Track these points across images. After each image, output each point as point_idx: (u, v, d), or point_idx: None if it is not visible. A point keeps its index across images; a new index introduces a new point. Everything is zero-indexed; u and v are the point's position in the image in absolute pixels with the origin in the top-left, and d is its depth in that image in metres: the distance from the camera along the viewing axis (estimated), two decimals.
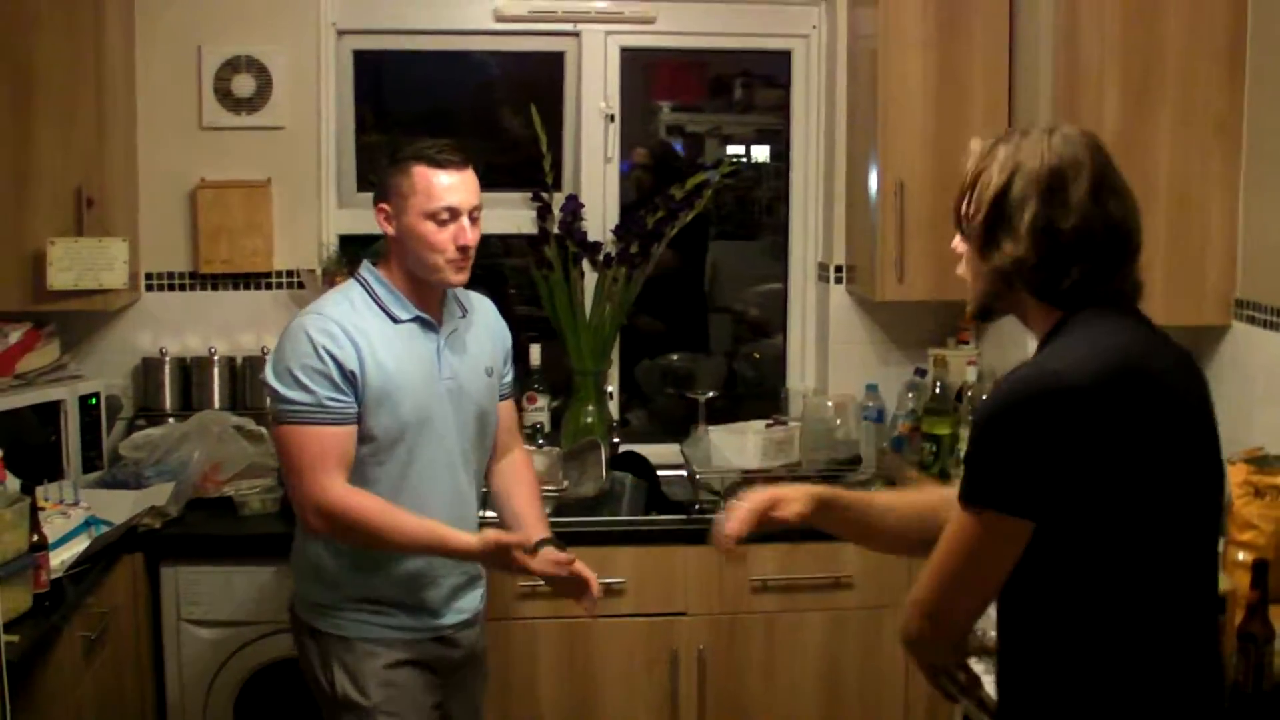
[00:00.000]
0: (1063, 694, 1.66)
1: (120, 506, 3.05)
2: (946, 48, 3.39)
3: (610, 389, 3.81)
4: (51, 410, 3.18)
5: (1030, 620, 1.69)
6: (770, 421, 3.55)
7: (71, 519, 2.87)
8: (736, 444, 3.43)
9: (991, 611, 1.72)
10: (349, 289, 2.55)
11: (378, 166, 2.70)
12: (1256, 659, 2.10)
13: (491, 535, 2.44)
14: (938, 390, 3.44)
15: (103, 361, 3.54)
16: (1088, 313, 1.68)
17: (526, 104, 3.71)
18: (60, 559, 2.74)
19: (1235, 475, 2.46)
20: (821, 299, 3.88)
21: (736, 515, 1.96)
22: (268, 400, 2.55)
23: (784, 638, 3.27)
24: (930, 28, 3.38)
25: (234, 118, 3.57)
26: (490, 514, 2.78)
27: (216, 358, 3.55)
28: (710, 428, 3.51)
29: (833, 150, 3.77)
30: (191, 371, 3.55)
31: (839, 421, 3.54)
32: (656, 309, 4.03)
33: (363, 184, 3.75)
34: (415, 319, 2.53)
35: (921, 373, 3.59)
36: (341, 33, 3.70)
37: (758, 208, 4.43)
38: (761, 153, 4.40)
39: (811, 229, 3.91)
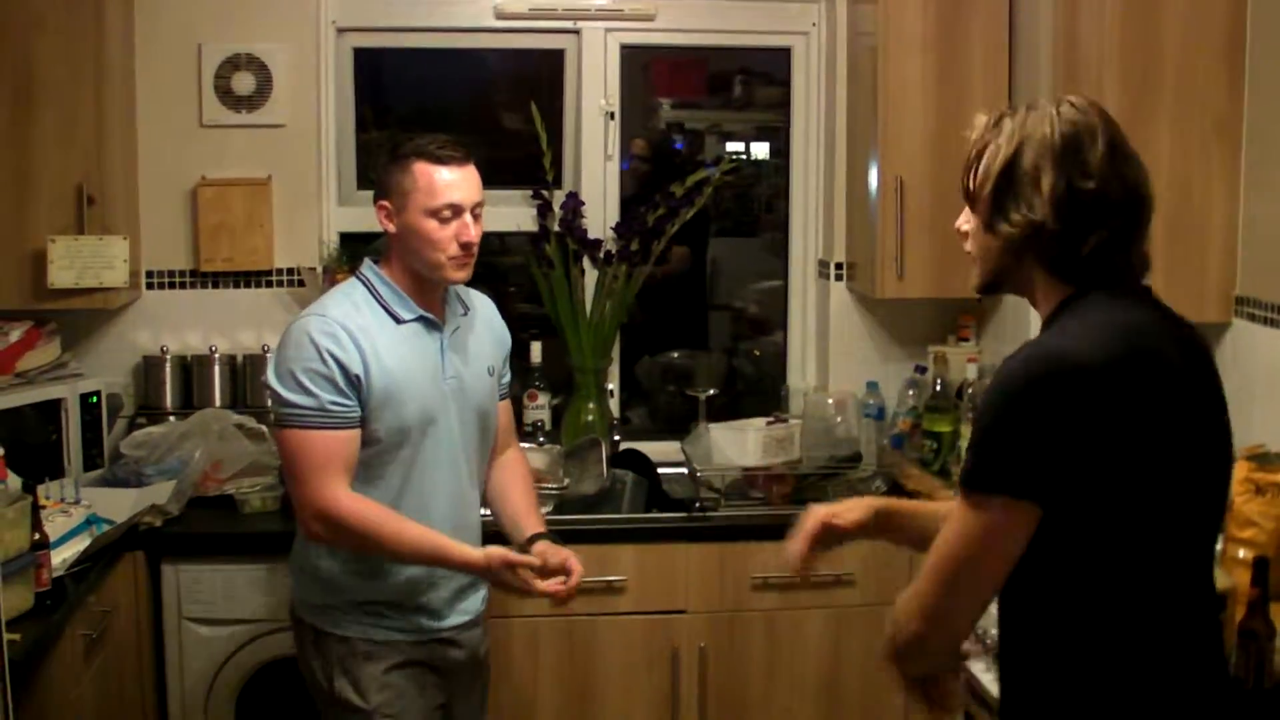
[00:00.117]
0: (1066, 689, 1.64)
1: (121, 505, 3.05)
2: (946, 45, 3.39)
3: (611, 386, 3.81)
4: (52, 408, 3.17)
5: (1033, 615, 1.66)
6: (771, 419, 3.54)
7: (72, 517, 2.87)
8: (737, 441, 3.42)
9: (993, 610, 1.70)
10: (351, 288, 2.52)
11: (378, 163, 2.69)
12: (1258, 656, 2.10)
13: (498, 553, 2.41)
14: (938, 387, 3.45)
15: (103, 360, 3.54)
16: (1097, 294, 1.65)
17: (526, 101, 3.72)
18: (61, 557, 2.73)
19: (1236, 472, 2.45)
20: (821, 296, 3.88)
21: (797, 535, 1.98)
22: (269, 402, 2.53)
23: (785, 635, 3.26)
24: (930, 25, 3.38)
25: (234, 115, 3.57)
26: (484, 512, 2.77)
27: (217, 356, 3.55)
28: (710, 425, 3.50)
29: (832, 147, 3.77)
30: (192, 369, 3.55)
31: (839, 419, 3.54)
32: (656, 307, 4.03)
33: (363, 182, 3.75)
34: (419, 318, 2.50)
35: (922, 370, 3.59)
36: (341, 30, 3.70)
37: (758, 205, 4.43)
38: (761, 150, 4.40)
39: (811, 226, 3.90)
